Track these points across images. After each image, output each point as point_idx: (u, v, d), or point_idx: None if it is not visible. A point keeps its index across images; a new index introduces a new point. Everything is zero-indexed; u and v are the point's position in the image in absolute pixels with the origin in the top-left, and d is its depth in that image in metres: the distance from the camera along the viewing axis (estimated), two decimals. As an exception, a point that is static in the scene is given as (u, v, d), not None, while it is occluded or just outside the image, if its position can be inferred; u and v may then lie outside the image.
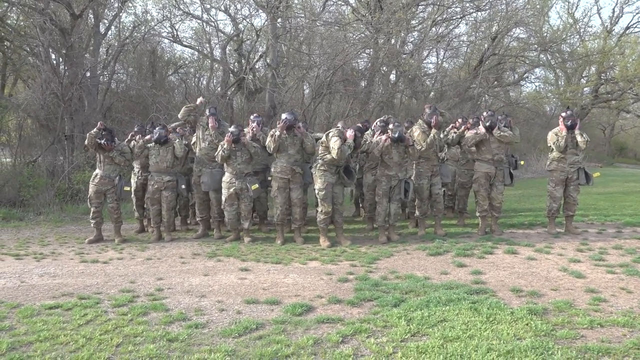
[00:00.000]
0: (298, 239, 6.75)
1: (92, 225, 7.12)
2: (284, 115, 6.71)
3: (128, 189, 7.28)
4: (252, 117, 7.64)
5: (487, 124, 6.80)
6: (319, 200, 6.55)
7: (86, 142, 7.07)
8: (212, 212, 7.31)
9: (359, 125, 7.29)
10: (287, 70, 15.19)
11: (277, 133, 6.49)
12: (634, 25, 27.38)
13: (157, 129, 7.24)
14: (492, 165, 6.84)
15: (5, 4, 11.21)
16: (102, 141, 6.87)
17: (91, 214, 7.08)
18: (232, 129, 6.74)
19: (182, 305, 4.09)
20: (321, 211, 6.53)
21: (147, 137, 7.28)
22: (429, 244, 6.41)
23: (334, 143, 6.19)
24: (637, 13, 38.06)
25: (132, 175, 7.71)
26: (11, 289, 4.63)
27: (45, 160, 11.07)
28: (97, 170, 7.07)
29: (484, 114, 7.20)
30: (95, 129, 6.92)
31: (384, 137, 6.51)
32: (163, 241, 7.01)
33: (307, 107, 14.10)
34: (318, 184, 6.46)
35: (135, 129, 7.77)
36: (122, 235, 7.15)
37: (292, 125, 6.59)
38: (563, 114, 6.97)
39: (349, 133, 6.34)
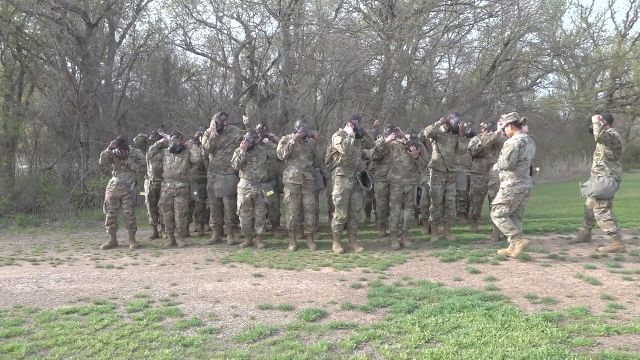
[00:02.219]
0: (310, 245, 6.77)
1: (107, 231, 7.20)
2: (298, 123, 6.74)
3: (143, 194, 7.40)
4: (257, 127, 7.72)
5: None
6: (335, 206, 6.53)
7: (99, 161, 7.23)
8: (226, 218, 7.34)
9: (357, 116, 7.12)
10: (299, 77, 15.25)
11: (292, 142, 6.51)
12: (649, 30, 27.10)
13: (172, 137, 7.27)
14: None
15: (23, 14, 11.42)
16: (116, 150, 6.99)
17: (106, 220, 7.16)
18: (247, 135, 6.80)
19: (197, 310, 4.12)
20: (336, 217, 6.51)
21: (162, 140, 7.34)
22: (442, 250, 6.39)
23: (336, 140, 6.35)
24: (652, 17, 37.62)
25: (145, 181, 7.78)
26: (29, 294, 4.70)
27: (60, 167, 11.24)
28: (114, 178, 7.17)
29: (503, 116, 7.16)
30: (107, 149, 7.07)
31: (390, 136, 6.63)
32: (177, 247, 7.07)
33: (319, 113, 14.14)
34: (335, 190, 6.44)
35: (150, 137, 7.85)
36: (136, 241, 7.22)
37: (307, 134, 6.66)
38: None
39: (347, 127, 6.38)
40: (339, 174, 6.43)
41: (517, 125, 5.89)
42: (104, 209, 7.23)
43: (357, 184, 6.51)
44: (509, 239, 5.84)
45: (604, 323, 3.58)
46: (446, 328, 3.53)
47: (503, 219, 5.80)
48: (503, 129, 6.24)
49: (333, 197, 6.53)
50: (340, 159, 6.39)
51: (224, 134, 7.20)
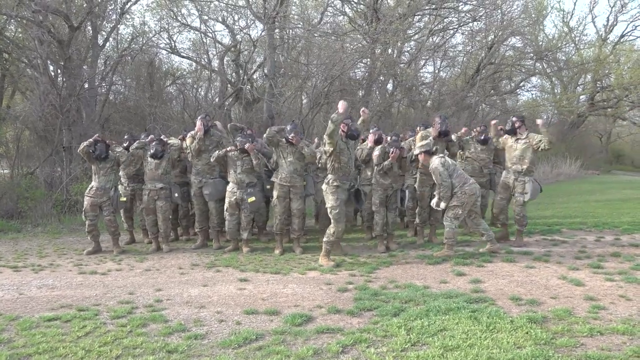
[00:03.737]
0: (297, 249, 6.75)
1: (89, 237, 7.10)
2: (289, 127, 6.68)
3: (124, 199, 7.26)
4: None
5: (482, 137, 7.39)
6: (332, 220, 6.02)
7: (79, 150, 7.10)
8: (212, 222, 7.30)
9: (349, 116, 7.05)
10: (284, 80, 15.25)
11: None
12: (629, 34, 27.68)
13: (153, 143, 7.09)
14: (511, 175, 6.84)
15: (4, 17, 11.26)
16: (96, 153, 6.88)
17: (87, 227, 7.04)
18: (239, 138, 6.77)
19: (182, 316, 4.07)
20: (332, 232, 5.96)
21: (141, 142, 7.17)
22: (428, 252, 6.41)
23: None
24: (632, 21, 38.35)
25: (120, 186, 7.61)
26: (9, 301, 4.61)
27: (43, 171, 11.07)
28: (93, 183, 7.03)
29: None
30: (88, 140, 6.98)
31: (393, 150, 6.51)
32: (161, 252, 7.00)
33: (305, 117, 14.14)
34: (330, 202, 5.98)
35: (126, 137, 7.71)
36: (120, 247, 7.12)
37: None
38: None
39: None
40: (334, 184, 5.98)
41: (429, 154, 6.38)
42: (83, 216, 7.09)
43: (349, 199, 6.48)
44: (445, 241, 6.29)
45: (587, 324, 3.62)
46: (432, 331, 3.54)
47: (454, 224, 6.21)
48: (417, 156, 6.61)
49: (329, 210, 6.08)
50: (333, 164, 5.98)
51: (208, 136, 7.14)
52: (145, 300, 4.55)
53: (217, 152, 6.81)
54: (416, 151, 6.53)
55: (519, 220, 6.84)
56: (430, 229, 7.27)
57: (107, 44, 13.94)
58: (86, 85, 11.96)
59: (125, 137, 7.79)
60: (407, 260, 6.12)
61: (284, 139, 6.64)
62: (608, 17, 29.34)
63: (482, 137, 7.59)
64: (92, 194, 6.97)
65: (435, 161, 6.23)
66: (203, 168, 7.16)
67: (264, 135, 6.73)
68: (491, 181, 7.76)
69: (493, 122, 7.58)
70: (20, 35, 11.87)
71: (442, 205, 6.19)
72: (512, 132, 6.87)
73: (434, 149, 6.50)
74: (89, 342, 3.49)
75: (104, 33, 13.56)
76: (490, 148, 7.63)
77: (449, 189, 6.15)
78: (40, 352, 3.31)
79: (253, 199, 6.74)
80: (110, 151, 7.03)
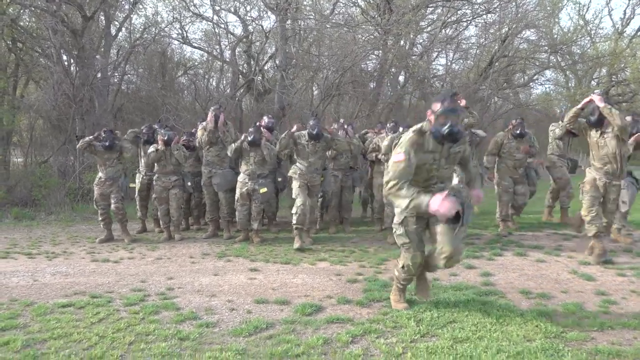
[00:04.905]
0: (307, 240, 6.77)
1: (101, 226, 7.19)
2: (312, 122, 6.67)
3: (133, 185, 7.31)
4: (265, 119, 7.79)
5: (517, 131, 7.12)
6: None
7: (78, 146, 7.18)
8: (222, 212, 7.34)
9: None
10: (296, 71, 15.22)
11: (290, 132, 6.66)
12: (646, 27, 27.13)
13: (164, 130, 7.27)
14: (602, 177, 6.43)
15: (18, 6, 11.34)
16: (106, 143, 6.97)
17: (99, 216, 7.17)
18: (250, 130, 6.79)
19: (193, 304, 4.12)
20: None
21: (160, 144, 7.09)
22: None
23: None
24: (649, 14, 37.73)
25: (137, 174, 7.77)
26: (24, 287, 4.69)
27: (56, 160, 11.20)
28: (100, 174, 7.11)
29: (513, 121, 7.42)
30: (88, 138, 7.05)
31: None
32: (173, 241, 7.06)
33: (316, 108, 14.12)
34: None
35: (144, 131, 7.79)
36: (130, 235, 7.19)
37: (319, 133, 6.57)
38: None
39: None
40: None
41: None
42: (95, 206, 7.21)
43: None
44: None
45: (598, 318, 3.60)
46: (441, 322, 3.55)
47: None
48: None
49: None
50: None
51: (219, 128, 7.15)
52: (157, 289, 4.61)
53: (232, 144, 6.81)
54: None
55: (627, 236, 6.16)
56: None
57: (120, 34, 13.99)
58: (99, 75, 12.03)
59: (144, 129, 7.83)
60: (417, 252, 6.11)
61: (304, 138, 6.62)
62: (625, 10, 28.90)
63: (518, 131, 7.12)
64: (101, 185, 7.06)
65: None
66: (213, 159, 7.21)
67: (276, 149, 6.78)
68: (528, 176, 7.54)
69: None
70: (34, 24, 11.93)
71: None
72: (598, 123, 5.39)
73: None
74: (103, 328, 3.54)
75: (116, 23, 13.60)
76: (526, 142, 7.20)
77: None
78: (55, 337, 3.38)
79: (265, 189, 6.78)
80: (116, 141, 7.08)
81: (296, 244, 6.35)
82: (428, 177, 3.66)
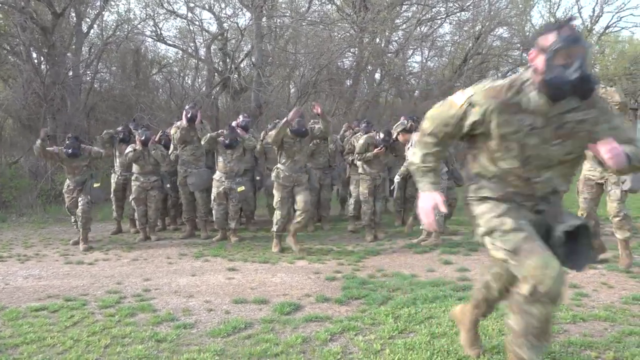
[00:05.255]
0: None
1: (74, 228, 7.02)
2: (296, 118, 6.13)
3: (98, 184, 6.80)
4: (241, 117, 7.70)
5: None
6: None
7: (36, 154, 6.85)
8: (199, 212, 7.27)
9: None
10: (272, 69, 15.16)
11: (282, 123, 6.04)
12: (614, 25, 27.75)
13: (141, 130, 7.16)
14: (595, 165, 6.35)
15: (-15, 2, 11.02)
16: (69, 150, 6.50)
17: (72, 221, 6.99)
18: (226, 132, 6.70)
19: (170, 305, 4.08)
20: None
21: (138, 144, 6.97)
22: (415, 241, 6.47)
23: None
24: (617, 12, 38.59)
25: (113, 174, 7.63)
26: (-5, 292, 4.58)
27: (27, 161, 10.94)
28: (68, 181, 6.78)
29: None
30: (39, 140, 6.47)
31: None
32: (149, 241, 6.97)
33: (293, 106, 14.08)
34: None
35: (120, 129, 7.66)
36: (89, 243, 6.60)
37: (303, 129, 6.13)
38: None
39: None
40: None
41: (407, 131, 6.43)
42: (68, 212, 7.01)
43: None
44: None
45: (570, 311, 3.69)
46: (419, 319, 3.58)
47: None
48: (396, 138, 6.59)
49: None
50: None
51: (193, 127, 7.03)
52: (133, 290, 4.54)
53: (208, 134, 6.69)
54: (394, 135, 6.60)
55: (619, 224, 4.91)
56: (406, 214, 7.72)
57: (92, 31, 13.72)
58: (70, 73, 11.79)
59: (120, 128, 7.69)
60: (395, 249, 6.17)
61: (288, 136, 6.02)
62: (594, 8, 29.55)
63: None
64: (70, 192, 6.74)
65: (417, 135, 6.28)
66: (188, 158, 7.13)
67: (270, 140, 6.45)
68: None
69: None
70: (2, 21, 11.62)
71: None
72: None
73: (408, 125, 6.50)
74: (77, 331, 3.48)
75: (88, 20, 13.33)
76: None
77: None
78: (27, 342, 3.30)
79: (242, 188, 6.75)
80: (80, 149, 6.62)
81: (274, 248, 6.17)
82: (526, 164, 2.25)
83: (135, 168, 7.11)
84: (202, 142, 6.79)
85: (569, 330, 3.36)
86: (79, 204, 6.61)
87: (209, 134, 6.72)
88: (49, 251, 6.45)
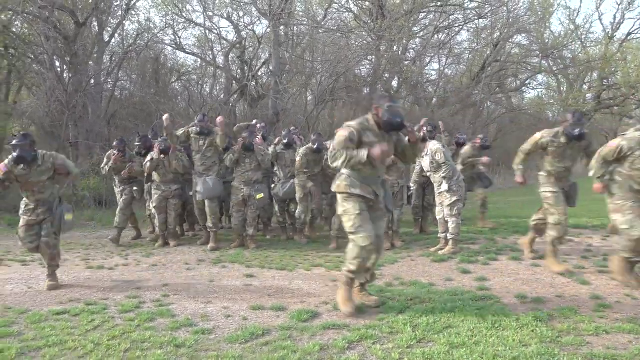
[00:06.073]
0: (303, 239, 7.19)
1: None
2: (313, 136, 7.19)
3: (70, 217, 5.14)
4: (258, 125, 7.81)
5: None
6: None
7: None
8: (208, 223, 7.05)
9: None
10: (289, 77, 15.26)
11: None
12: (636, 32, 27.32)
13: (161, 139, 7.14)
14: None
15: (11, 13, 11.30)
16: (14, 155, 4.73)
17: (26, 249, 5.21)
18: (245, 134, 6.79)
19: (189, 311, 4.10)
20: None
21: (156, 152, 7.01)
22: (433, 249, 6.42)
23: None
24: (639, 19, 38.06)
25: (115, 188, 7.82)
26: (19, 295, 4.66)
27: (49, 167, 11.12)
28: (27, 200, 4.98)
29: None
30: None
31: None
32: (168, 247, 7.03)
33: (310, 114, 14.15)
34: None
35: (136, 142, 7.49)
36: (56, 281, 4.97)
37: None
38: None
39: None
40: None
41: (422, 140, 6.44)
42: (20, 242, 5.16)
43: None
44: (450, 237, 6.24)
45: (593, 322, 3.62)
46: (438, 328, 3.55)
47: (459, 219, 6.26)
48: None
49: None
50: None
51: (202, 137, 6.97)
52: (152, 295, 4.58)
53: (229, 155, 6.80)
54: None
55: None
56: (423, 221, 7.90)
57: (113, 40, 14.02)
58: (92, 81, 12.03)
59: (137, 138, 7.56)
60: (412, 257, 6.13)
61: (310, 155, 6.95)
62: (615, 15, 29.22)
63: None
64: (29, 213, 4.95)
65: (434, 143, 6.32)
66: (198, 168, 7.05)
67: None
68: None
69: None
70: (27, 31, 11.92)
71: (445, 186, 6.18)
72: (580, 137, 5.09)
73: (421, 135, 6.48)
74: (98, 335, 3.52)
75: (109, 29, 13.62)
76: None
77: (452, 168, 6.21)
78: (50, 345, 3.35)
79: (261, 195, 6.80)
80: (32, 154, 4.80)
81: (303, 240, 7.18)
82: None
83: (155, 177, 7.15)
84: (227, 164, 6.90)
85: (591, 342, 3.30)
86: (42, 234, 4.92)
87: (229, 156, 6.81)
88: (70, 256, 6.55)
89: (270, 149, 7.43)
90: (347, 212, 3.93)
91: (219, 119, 6.94)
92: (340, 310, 3.93)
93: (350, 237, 3.91)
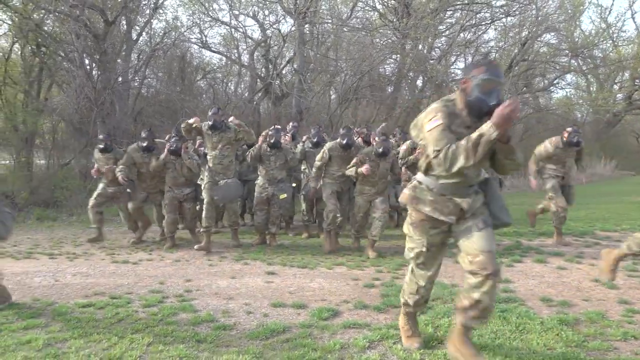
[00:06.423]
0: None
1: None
2: (342, 131, 6.72)
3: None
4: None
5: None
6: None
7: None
8: (229, 221, 7.01)
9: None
10: (313, 75, 15.28)
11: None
12: (670, 30, 26.57)
13: (173, 139, 6.79)
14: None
15: (42, 11, 11.58)
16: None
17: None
18: (271, 132, 6.79)
19: (210, 307, 4.14)
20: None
21: (165, 153, 6.76)
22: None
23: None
24: (673, 17, 36.89)
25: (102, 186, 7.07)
26: (46, 287, 4.77)
27: (78, 162, 11.41)
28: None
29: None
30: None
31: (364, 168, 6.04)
32: (191, 243, 7.09)
33: (334, 112, 14.13)
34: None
35: (173, 134, 7.16)
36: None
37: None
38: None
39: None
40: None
41: None
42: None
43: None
44: None
45: (621, 328, 3.53)
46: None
47: None
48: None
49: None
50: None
51: (216, 132, 6.42)
52: (175, 290, 4.64)
53: (250, 151, 6.82)
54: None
55: None
56: None
57: (141, 38, 14.27)
58: (120, 79, 12.24)
59: (173, 134, 7.12)
60: (435, 258, 6.07)
61: (336, 150, 6.48)
62: (648, 13, 28.36)
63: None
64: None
65: None
66: (215, 167, 6.49)
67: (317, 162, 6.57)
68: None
69: None
70: (58, 29, 12.19)
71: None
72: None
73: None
74: (122, 328, 3.58)
75: (137, 28, 13.86)
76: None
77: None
78: (75, 336, 3.42)
79: (285, 195, 6.80)
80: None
81: (327, 247, 6.50)
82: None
83: (167, 180, 6.83)
84: (248, 160, 6.89)
85: (619, 348, 3.21)
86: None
87: (250, 151, 6.79)
88: (96, 250, 6.68)
89: (299, 147, 7.45)
90: (412, 239, 3.07)
91: (232, 119, 6.64)
92: (405, 346, 3.21)
93: (410, 264, 3.21)
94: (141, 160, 6.91)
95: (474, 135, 2.57)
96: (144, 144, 6.84)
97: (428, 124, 2.79)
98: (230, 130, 6.45)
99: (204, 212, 6.51)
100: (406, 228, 3.11)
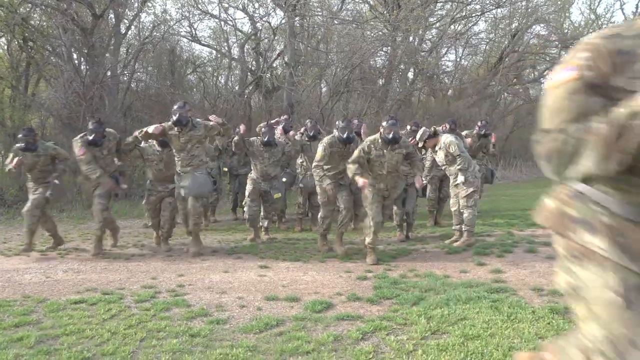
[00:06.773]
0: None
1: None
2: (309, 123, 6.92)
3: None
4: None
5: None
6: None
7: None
8: (189, 223, 6.07)
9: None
10: (304, 68, 15.22)
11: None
12: (658, 21, 26.73)
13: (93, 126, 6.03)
14: None
15: (29, 5, 11.43)
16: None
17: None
18: (264, 129, 6.72)
19: (204, 301, 4.14)
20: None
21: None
22: (447, 241, 6.38)
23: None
24: (661, 8, 37.15)
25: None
26: (37, 284, 4.74)
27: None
28: None
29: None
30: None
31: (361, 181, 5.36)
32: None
33: (325, 105, 14.11)
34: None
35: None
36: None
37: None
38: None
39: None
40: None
41: (433, 136, 6.28)
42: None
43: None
44: (465, 229, 6.20)
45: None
46: (452, 320, 3.53)
47: (475, 210, 6.21)
48: (424, 147, 6.45)
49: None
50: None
51: (185, 131, 5.76)
52: (167, 285, 4.63)
53: (235, 137, 6.76)
54: (420, 144, 6.32)
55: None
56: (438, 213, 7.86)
57: (129, 32, 14.08)
58: (109, 73, 12.11)
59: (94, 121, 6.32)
60: (427, 249, 6.10)
61: (335, 145, 5.92)
62: (637, 4, 28.56)
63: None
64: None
65: (447, 136, 6.24)
66: (184, 170, 5.88)
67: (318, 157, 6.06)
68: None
69: None
70: (45, 23, 12.04)
71: (461, 178, 6.11)
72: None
73: (432, 131, 6.32)
74: (115, 324, 3.56)
75: (126, 21, 13.68)
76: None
77: (468, 159, 6.15)
78: (67, 333, 3.40)
79: (279, 195, 6.78)
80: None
81: (321, 248, 6.11)
82: None
83: (149, 176, 6.45)
84: (234, 149, 6.89)
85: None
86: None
87: (235, 137, 6.66)
88: (87, 246, 6.63)
89: (297, 136, 7.42)
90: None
91: (213, 117, 6.16)
92: None
93: None
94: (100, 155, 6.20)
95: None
96: (90, 138, 6.01)
97: (553, 90, 1.48)
98: (199, 128, 5.83)
99: (192, 210, 5.89)
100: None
